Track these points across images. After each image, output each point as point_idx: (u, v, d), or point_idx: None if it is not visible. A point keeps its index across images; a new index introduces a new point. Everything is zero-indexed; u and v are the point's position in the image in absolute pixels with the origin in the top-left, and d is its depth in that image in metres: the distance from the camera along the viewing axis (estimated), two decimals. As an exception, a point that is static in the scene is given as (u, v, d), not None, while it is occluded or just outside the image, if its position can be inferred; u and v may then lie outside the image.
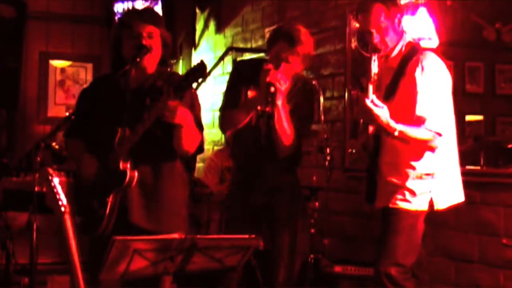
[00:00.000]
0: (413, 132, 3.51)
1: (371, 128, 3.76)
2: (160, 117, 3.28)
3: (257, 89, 3.89)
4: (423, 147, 3.59)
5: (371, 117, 3.47)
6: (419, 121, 3.52)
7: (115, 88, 3.53)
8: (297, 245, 4.13)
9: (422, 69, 3.55)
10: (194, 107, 3.52)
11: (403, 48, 3.71)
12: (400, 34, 3.73)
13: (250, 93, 3.94)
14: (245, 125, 3.96)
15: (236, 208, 4.15)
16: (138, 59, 3.41)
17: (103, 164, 3.47)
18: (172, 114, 3.25)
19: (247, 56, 7.01)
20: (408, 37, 3.78)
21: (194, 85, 3.27)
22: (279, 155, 3.94)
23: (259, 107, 3.92)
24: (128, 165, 3.39)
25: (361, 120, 3.86)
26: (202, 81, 3.38)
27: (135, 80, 3.53)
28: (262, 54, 5.21)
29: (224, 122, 4.07)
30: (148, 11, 3.63)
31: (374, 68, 3.54)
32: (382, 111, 3.45)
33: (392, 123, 3.47)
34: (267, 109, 3.85)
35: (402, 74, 3.62)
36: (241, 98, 3.97)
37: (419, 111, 3.52)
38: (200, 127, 3.51)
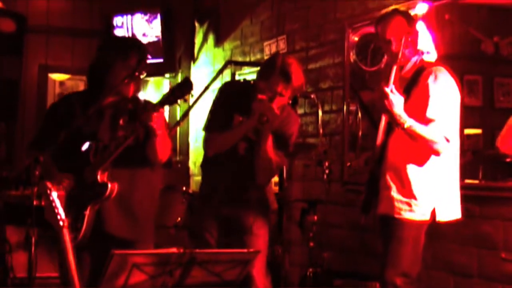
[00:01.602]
0: (422, 129, 3.54)
1: (382, 123, 3.77)
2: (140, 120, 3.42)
3: (245, 116, 3.93)
4: (428, 150, 3.60)
5: (387, 105, 3.52)
6: (428, 122, 3.57)
7: (92, 106, 3.60)
8: (266, 255, 4.17)
9: (435, 77, 3.62)
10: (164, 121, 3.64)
11: (417, 62, 3.77)
12: (416, 49, 3.79)
13: (236, 119, 3.98)
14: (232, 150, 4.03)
15: (203, 216, 4.15)
16: (137, 73, 3.59)
17: (78, 178, 3.54)
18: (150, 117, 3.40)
19: (246, 69, 7.03)
20: (423, 56, 3.84)
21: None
22: (258, 181, 4.01)
23: (249, 135, 3.97)
24: (106, 177, 3.50)
25: (360, 134, 3.89)
26: (188, 97, 3.46)
27: (112, 102, 3.68)
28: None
29: (210, 145, 4.08)
30: (141, 43, 3.84)
31: (402, 50, 3.65)
32: (398, 100, 3.52)
33: (404, 115, 3.52)
34: (254, 138, 3.93)
35: (415, 84, 3.68)
36: (227, 121, 4.00)
37: (430, 113, 3.57)
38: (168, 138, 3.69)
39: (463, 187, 3.82)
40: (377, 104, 3.68)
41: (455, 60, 4.92)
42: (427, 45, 4.66)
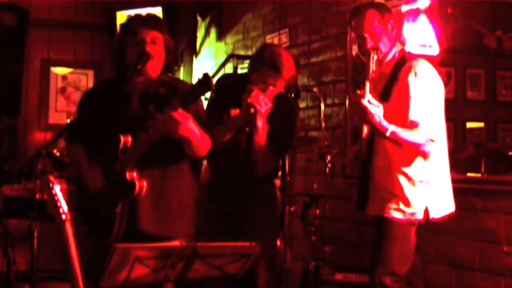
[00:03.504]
0: (405, 134, 3.48)
1: (365, 130, 3.75)
2: (165, 133, 3.27)
3: (240, 108, 3.92)
4: (415, 152, 3.57)
5: (365, 116, 3.45)
6: (412, 126, 3.50)
7: (118, 93, 3.52)
8: (275, 252, 4.15)
9: (415, 74, 3.54)
10: (199, 113, 3.51)
11: (396, 54, 3.71)
12: (393, 40, 3.74)
13: (233, 111, 3.96)
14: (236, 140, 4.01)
15: (209, 214, 4.14)
16: (139, 66, 3.41)
17: (108, 173, 3.43)
18: (176, 126, 3.24)
19: (248, 63, 7.02)
20: (403, 45, 3.79)
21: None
22: (255, 172, 3.98)
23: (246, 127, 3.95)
24: (135, 175, 3.37)
25: (362, 126, 3.86)
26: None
27: (139, 86, 3.52)
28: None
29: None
30: (152, 17, 3.62)
31: (372, 67, 3.54)
32: (376, 110, 3.43)
33: (385, 123, 3.44)
34: (247, 129, 3.91)
35: (395, 80, 3.61)
36: (223, 115, 3.98)
37: (412, 115, 3.50)
38: (207, 129, 3.51)
39: (465, 181, 3.82)
40: (355, 115, 3.62)
41: (458, 54, 4.92)
42: (429, 39, 4.66)
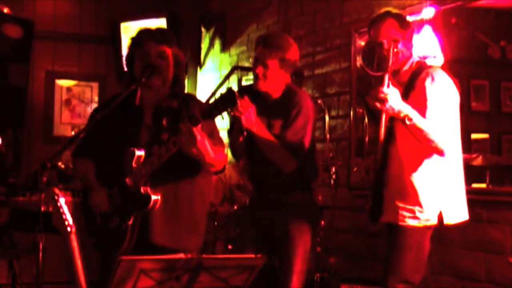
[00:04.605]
0: (423, 121, 3.48)
1: (382, 133, 3.74)
2: (182, 147, 3.26)
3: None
4: (431, 150, 3.57)
5: (386, 103, 3.46)
6: None
7: (129, 107, 3.51)
8: (307, 262, 4.10)
9: (432, 79, 3.57)
10: (213, 128, 3.52)
11: (414, 64, 3.74)
12: (410, 50, 3.76)
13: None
14: (250, 147, 3.99)
15: (246, 227, 4.15)
16: (144, 79, 3.41)
17: (120, 186, 3.43)
18: (192, 142, 3.23)
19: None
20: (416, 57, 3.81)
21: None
22: (283, 170, 3.95)
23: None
24: (149, 189, 3.37)
25: (366, 139, 3.87)
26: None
27: (150, 101, 3.53)
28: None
29: (231, 151, 4.13)
30: (160, 31, 3.63)
31: (392, 59, 3.58)
32: (397, 95, 3.47)
33: (406, 108, 3.46)
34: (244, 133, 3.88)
35: (412, 88, 3.64)
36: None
37: (429, 116, 3.53)
38: (222, 143, 3.52)
39: (470, 192, 3.81)
40: (373, 105, 3.60)
41: (462, 64, 4.92)
42: (434, 50, 4.67)
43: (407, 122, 3.46)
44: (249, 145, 3.95)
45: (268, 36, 4.06)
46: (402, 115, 3.45)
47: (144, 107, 3.54)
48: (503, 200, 4.39)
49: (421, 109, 3.53)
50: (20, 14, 7.51)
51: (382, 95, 3.44)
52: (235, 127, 3.91)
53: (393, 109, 3.45)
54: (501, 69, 4.97)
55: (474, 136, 4.92)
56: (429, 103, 3.54)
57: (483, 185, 4.54)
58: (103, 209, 3.46)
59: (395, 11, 3.80)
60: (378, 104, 3.47)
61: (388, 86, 3.49)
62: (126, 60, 3.62)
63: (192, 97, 3.71)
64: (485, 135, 5.05)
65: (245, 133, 3.84)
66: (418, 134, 3.50)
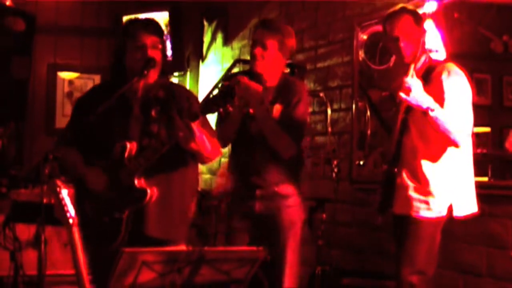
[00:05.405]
0: (443, 113, 3.52)
1: (402, 106, 3.74)
2: (179, 141, 3.27)
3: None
4: (446, 142, 3.59)
5: (410, 92, 3.49)
6: None
7: (118, 98, 3.47)
8: (299, 252, 4.11)
9: (449, 73, 3.64)
10: (205, 120, 3.52)
11: (427, 60, 3.77)
12: (424, 47, 3.78)
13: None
14: (240, 137, 3.99)
15: (236, 219, 4.14)
16: (145, 72, 3.41)
17: (113, 179, 3.43)
18: (190, 137, 3.24)
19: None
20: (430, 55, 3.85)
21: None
22: (282, 156, 3.94)
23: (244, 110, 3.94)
24: (143, 182, 3.38)
25: (368, 132, 3.89)
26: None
27: (138, 91, 3.53)
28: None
29: (219, 138, 4.11)
30: (151, 21, 3.63)
31: (420, 50, 3.67)
32: (420, 86, 3.50)
33: (427, 99, 3.50)
34: (243, 110, 3.89)
35: (428, 82, 3.67)
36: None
37: (447, 108, 3.56)
38: (214, 133, 3.55)
39: (472, 186, 3.82)
40: (398, 94, 3.60)
41: (464, 59, 4.90)
42: (436, 44, 4.66)
43: (430, 113, 3.48)
44: (240, 133, 3.96)
45: (267, 20, 4.15)
46: (425, 106, 3.47)
47: (133, 98, 3.53)
48: (505, 194, 4.39)
49: (438, 102, 3.56)
50: (23, 7, 7.49)
51: (407, 85, 3.47)
52: (237, 107, 3.89)
53: (416, 99, 3.48)
54: (504, 63, 4.96)
55: (476, 130, 4.91)
56: (446, 95, 3.58)
57: (485, 179, 4.54)
58: (102, 188, 3.45)
59: (410, 7, 3.84)
60: (402, 94, 3.50)
61: (412, 76, 3.52)
62: (116, 50, 3.60)
63: (178, 88, 3.73)
64: (487, 129, 5.04)
65: (250, 110, 3.85)
66: (438, 126, 3.52)
